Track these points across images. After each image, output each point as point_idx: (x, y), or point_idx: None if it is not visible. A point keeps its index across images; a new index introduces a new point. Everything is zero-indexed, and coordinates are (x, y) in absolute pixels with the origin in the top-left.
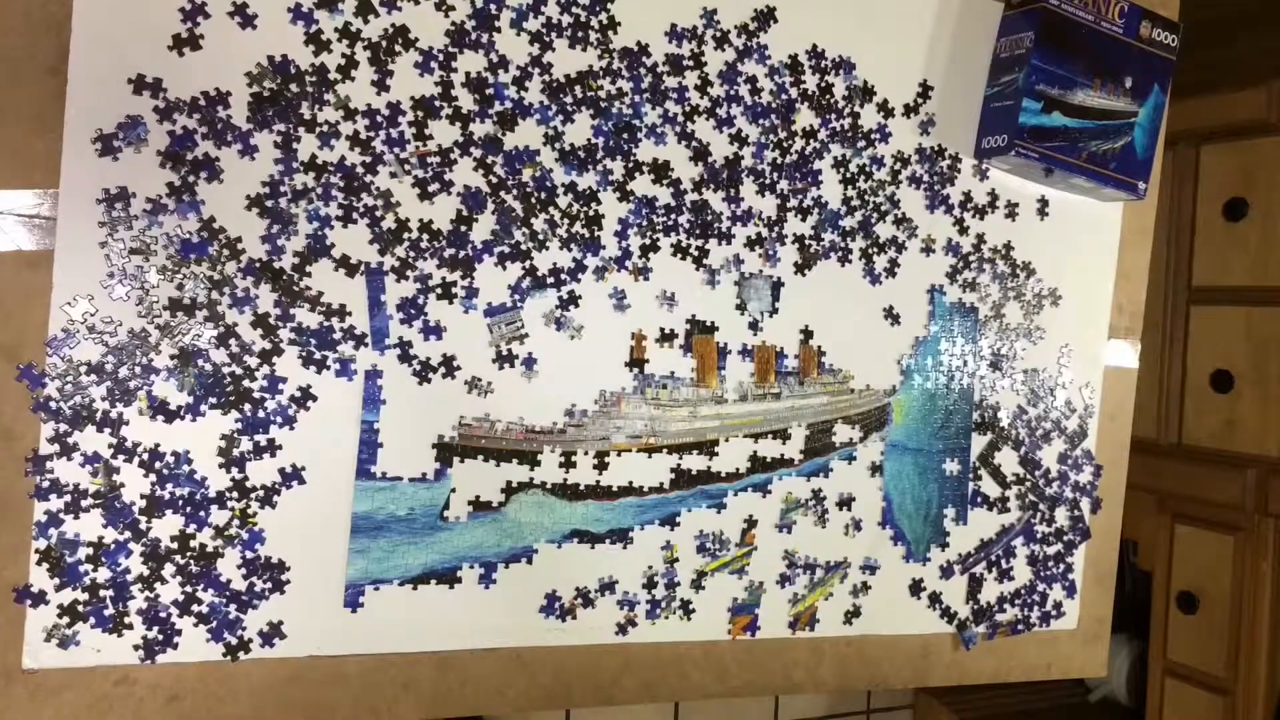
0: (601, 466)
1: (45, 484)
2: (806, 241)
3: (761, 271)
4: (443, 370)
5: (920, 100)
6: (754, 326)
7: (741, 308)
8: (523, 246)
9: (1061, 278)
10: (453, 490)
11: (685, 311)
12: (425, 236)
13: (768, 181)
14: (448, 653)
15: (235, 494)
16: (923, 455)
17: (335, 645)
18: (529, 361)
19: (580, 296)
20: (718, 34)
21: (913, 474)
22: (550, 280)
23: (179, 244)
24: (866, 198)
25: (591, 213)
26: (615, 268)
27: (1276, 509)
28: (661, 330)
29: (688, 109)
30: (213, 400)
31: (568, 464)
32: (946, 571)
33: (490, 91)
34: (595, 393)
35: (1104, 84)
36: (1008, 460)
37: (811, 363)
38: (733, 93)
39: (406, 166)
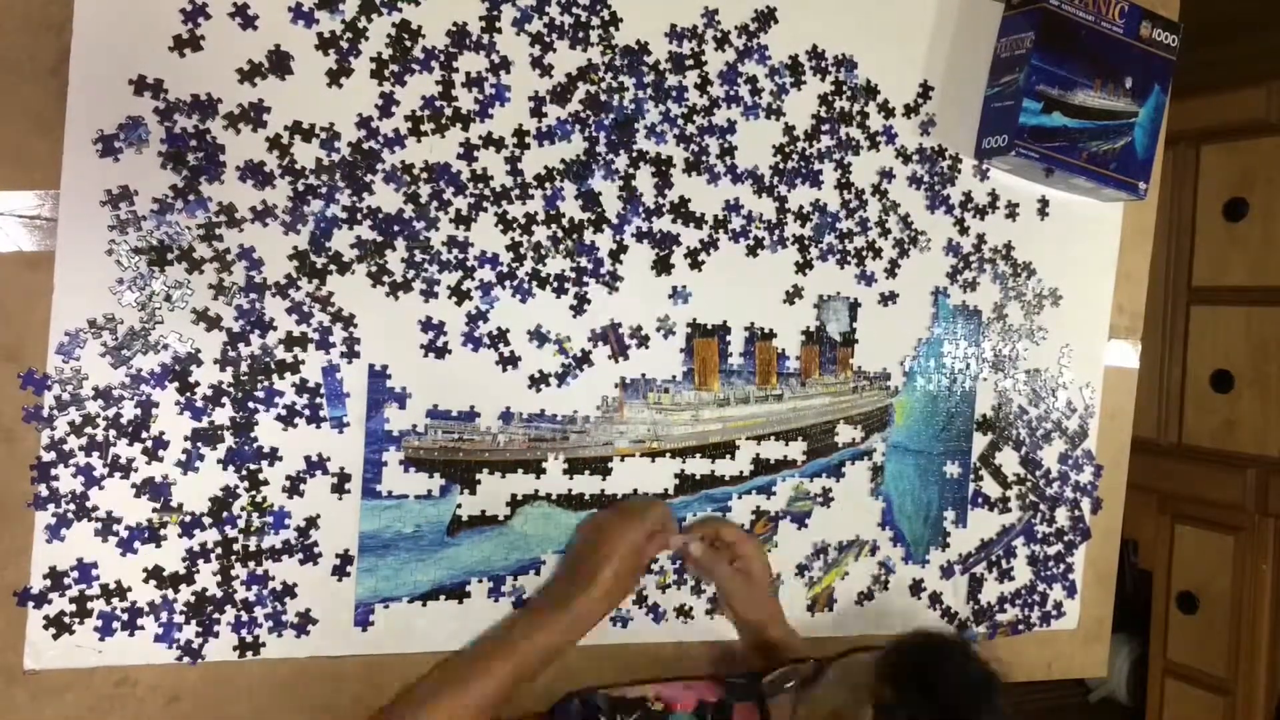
0: (605, 474)
1: (45, 493)
2: (806, 243)
3: (839, 293)
4: (445, 380)
5: (920, 100)
6: (750, 328)
7: (739, 295)
8: (523, 250)
9: (1061, 278)
10: (458, 506)
11: (686, 314)
12: (428, 245)
13: (767, 184)
14: (448, 653)
15: (242, 503)
16: (924, 457)
17: (336, 647)
18: (520, 363)
19: (588, 300)
20: (718, 34)
21: (913, 476)
22: (554, 285)
23: (181, 245)
24: (866, 198)
25: (594, 215)
26: (617, 260)
27: (1276, 509)
28: (661, 332)
29: (687, 109)
30: (216, 408)
31: (572, 472)
32: (947, 572)
33: (491, 93)
34: (597, 398)
35: (1104, 84)
36: (1008, 460)
37: (813, 363)
38: (733, 93)
39: (407, 177)
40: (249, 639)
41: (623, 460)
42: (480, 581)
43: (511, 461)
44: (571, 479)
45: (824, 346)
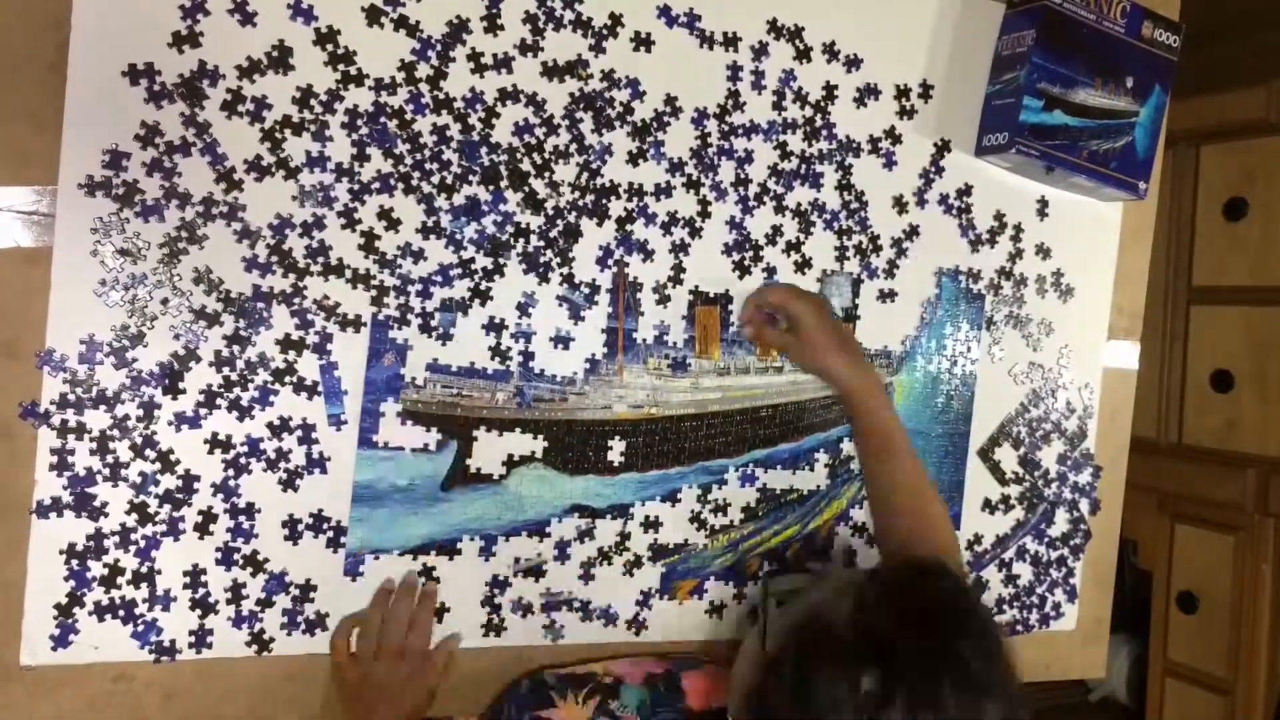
0: (603, 440)
1: (44, 490)
2: (810, 234)
3: (842, 268)
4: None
5: (922, 100)
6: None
7: (740, 269)
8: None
9: (1061, 278)
10: (453, 462)
11: (689, 282)
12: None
13: (767, 185)
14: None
15: (240, 502)
16: (921, 438)
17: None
18: (530, 334)
19: (583, 270)
20: (719, 36)
21: None
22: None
23: (180, 243)
24: (867, 198)
25: (596, 200)
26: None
27: (1276, 509)
28: (663, 300)
29: (694, 108)
30: (214, 406)
31: (569, 434)
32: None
33: (483, 88)
34: (598, 361)
35: (1105, 83)
36: (1008, 461)
37: None
38: (733, 90)
39: (400, 168)
40: (250, 636)
41: (620, 425)
42: (472, 539)
43: (509, 420)
44: (568, 443)
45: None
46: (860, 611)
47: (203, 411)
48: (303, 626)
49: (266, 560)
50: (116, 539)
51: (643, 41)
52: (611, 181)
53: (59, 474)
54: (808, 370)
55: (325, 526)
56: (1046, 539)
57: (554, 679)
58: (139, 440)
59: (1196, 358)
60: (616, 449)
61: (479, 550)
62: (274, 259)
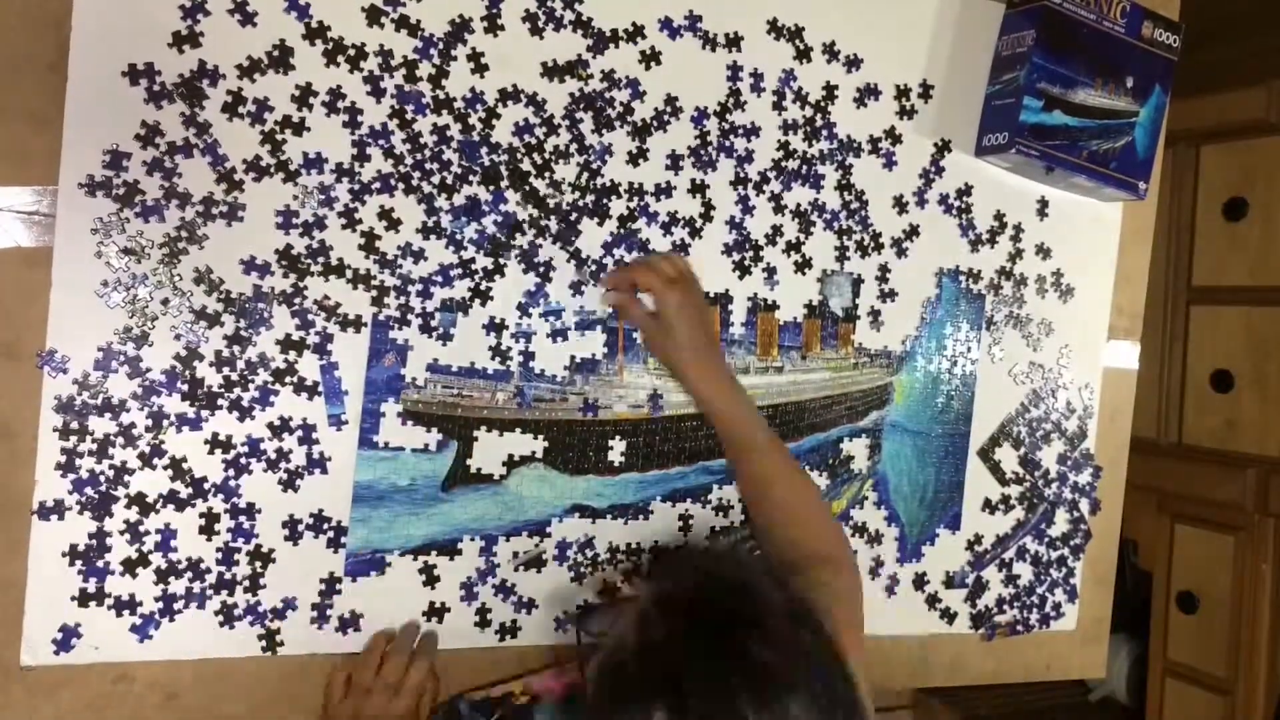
0: (603, 440)
1: (45, 489)
2: (811, 234)
3: (843, 268)
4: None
5: (922, 100)
6: (753, 299)
7: (740, 269)
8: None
9: (1061, 278)
10: (454, 462)
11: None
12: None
13: (769, 185)
14: (447, 652)
15: (240, 502)
16: (921, 438)
17: (334, 644)
18: (529, 334)
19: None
20: (719, 37)
21: (910, 456)
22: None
23: (179, 243)
24: (867, 198)
25: (596, 200)
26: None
27: (1276, 509)
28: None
29: (694, 108)
30: (214, 406)
31: (569, 434)
32: (947, 574)
33: (492, 87)
34: (598, 361)
35: (1105, 83)
36: (1008, 461)
37: (814, 337)
38: (734, 90)
39: (401, 168)
40: (251, 637)
41: (620, 425)
42: (472, 540)
43: (509, 421)
44: (569, 443)
45: (826, 321)
46: (644, 641)
47: (204, 412)
48: (303, 626)
49: (267, 561)
50: (117, 540)
51: (642, 40)
52: (612, 181)
53: (63, 474)
54: (662, 364)
55: (326, 527)
56: (1047, 539)
57: (467, 707)
58: (141, 441)
59: (1196, 358)
60: (617, 449)
61: (479, 550)
62: (274, 259)
